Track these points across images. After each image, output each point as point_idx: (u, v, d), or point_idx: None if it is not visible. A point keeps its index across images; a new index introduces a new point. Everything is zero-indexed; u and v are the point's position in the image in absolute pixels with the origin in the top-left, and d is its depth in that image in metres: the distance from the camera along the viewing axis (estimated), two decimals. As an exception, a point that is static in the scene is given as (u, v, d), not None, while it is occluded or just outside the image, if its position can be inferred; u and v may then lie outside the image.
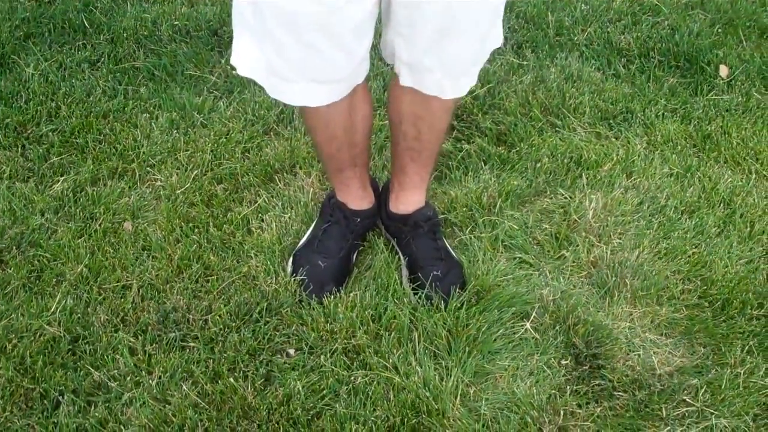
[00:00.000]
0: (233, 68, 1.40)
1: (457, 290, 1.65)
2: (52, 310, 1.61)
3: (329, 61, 1.31)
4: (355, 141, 1.57)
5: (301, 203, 1.86)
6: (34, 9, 2.53)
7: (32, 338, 1.55)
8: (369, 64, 1.42)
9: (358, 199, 1.71)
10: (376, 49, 1.60)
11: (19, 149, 2.00)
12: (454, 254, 1.74)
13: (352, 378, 1.51)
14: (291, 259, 1.72)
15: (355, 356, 1.55)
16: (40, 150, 1.99)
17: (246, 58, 1.34)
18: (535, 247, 1.80)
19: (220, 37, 2.46)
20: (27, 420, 1.43)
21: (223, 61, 2.35)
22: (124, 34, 2.42)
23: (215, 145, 2.02)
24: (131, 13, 2.52)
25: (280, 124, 2.11)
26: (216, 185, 1.92)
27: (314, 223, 1.78)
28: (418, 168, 1.65)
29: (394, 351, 1.55)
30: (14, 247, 1.74)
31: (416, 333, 1.58)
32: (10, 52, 2.33)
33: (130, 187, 1.91)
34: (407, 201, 1.71)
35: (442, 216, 1.85)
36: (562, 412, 1.48)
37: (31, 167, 1.95)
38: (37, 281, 1.68)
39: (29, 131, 2.05)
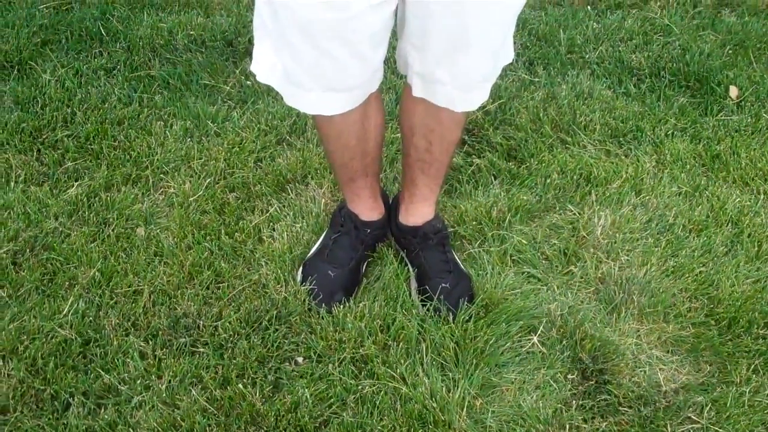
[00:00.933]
0: (252, 75, 1.42)
1: (466, 303, 1.66)
2: (64, 312, 1.62)
3: (344, 68, 1.32)
4: (367, 150, 1.59)
5: (313, 213, 1.88)
6: (51, 16, 2.57)
7: (44, 340, 1.57)
8: (383, 73, 1.43)
9: (368, 209, 1.73)
10: (388, 63, 1.62)
11: (35, 154, 2.03)
12: (462, 267, 1.75)
13: (360, 387, 1.52)
14: (301, 268, 1.74)
15: (363, 366, 1.56)
16: (55, 155, 2.01)
17: (264, 64, 1.36)
18: (543, 262, 1.81)
19: (234, 48, 2.49)
20: (37, 421, 1.44)
21: (237, 71, 2.37)
22: (140, 43, 2.45)
23: (228, 154, 2.04)
24: (147, 22, 2.56)
25: (293, 135, 2.13)
26: (228, 194, 1.94)
27: (325, 232, 1.79)
28: (428, 180, 1.66)
29: (402, 361, 1.56)
30: (28, 250, 1.76)
31: (424, 344, 1.59)
32: (28, 58, 2.36)
33: (143, 193, 1.93)
34: (417, 213, 1.73)
35: (452, 229, 1.86)
36: (567, 427, 1.49)
37: (46, 172, 1.98)
38: (50, 284, 1.70)
39: (45, 136, 2.08)
